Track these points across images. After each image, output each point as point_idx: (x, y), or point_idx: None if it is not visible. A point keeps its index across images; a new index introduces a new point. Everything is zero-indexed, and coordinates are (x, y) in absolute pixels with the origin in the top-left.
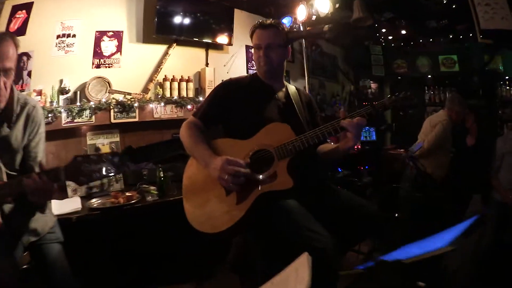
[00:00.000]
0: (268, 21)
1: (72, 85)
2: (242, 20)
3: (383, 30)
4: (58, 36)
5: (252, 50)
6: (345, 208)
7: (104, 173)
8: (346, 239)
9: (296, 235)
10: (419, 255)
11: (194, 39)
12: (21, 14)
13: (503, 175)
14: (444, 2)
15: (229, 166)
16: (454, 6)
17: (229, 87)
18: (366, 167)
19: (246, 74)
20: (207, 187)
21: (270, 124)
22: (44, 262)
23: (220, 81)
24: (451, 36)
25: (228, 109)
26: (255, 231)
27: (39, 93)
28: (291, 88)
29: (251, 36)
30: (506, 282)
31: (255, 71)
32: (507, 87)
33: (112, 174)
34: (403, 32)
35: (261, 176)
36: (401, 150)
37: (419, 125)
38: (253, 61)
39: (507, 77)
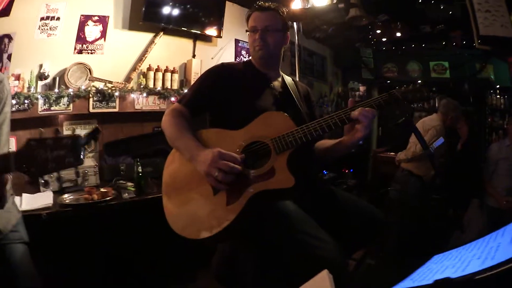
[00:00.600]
0: (267, 4)
1: (52, 71)
2: (233, 13)
3: (378, 31)
4: (42, 18)
5: (248, 34)
6: (347, 211)
7: (61, 163)
8: (349, 245)
9: (296, 243)
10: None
11: (183, 28)
12: None
13: (498, 181)
14: (441, 7)
15: (222, 161)
16: (450, 12)
17: (220, 72)
18: (351, 170)
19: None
20: (191, 185)
21: (265, 113)
22: (7, 264)
23: None
24: (444, 43)
25: (218, 96)
26: (247, 238)
27: (18, 77)
28: (288, 78)
29: (247, 20)
30: None
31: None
32: (497, 96)
33: (73, 164)
34: (398, 34)
35: (256, 173)
36: (392, 153)
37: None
38: (241, 56)
39: (498, 86)
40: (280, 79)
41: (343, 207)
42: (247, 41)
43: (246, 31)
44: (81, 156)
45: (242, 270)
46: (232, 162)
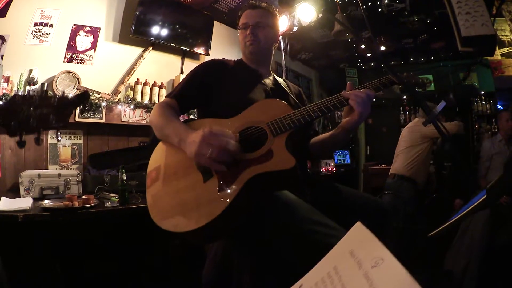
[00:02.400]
0: (258, 2)
1: (41, 77)
2: (220, 33)
3: (362, 46)
4: (35, 24)
5: (239, 32)
6: (351, 204)
7: (45, 122)
8: None
9: (304, 232)
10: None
11: (172, 44)
12: None
13: (494, 175)
14: (423, 19)
15: (214, 136)
16: (428, 21)
17: (211, 66)
18: None
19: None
20: (179, 172)
21: (261, 100)
22: None
23: None
24: (427, 56)
25: (208, 90)
26: (243, 235)
27: (7, 80)
28: (279, 78)
29: (239, 18)
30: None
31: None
32: (483, 102)
33: (57, 126)
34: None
35: (251, 156)
36: (383, 165)
37: (393, 145)
38: None
39: (482, 92)
40: (271, 77)
41: (346, 200)
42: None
43: (237, 28)
44: (67, 117)
45: (238, 276)
46: (226, 137)
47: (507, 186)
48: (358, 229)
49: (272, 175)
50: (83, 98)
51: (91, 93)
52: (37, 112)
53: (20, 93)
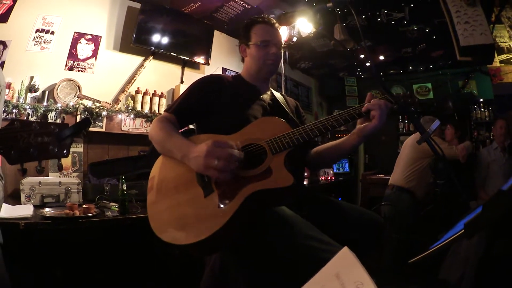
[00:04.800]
0: (273, 20)
1: (42, 84)
2: (220, 42)
3: (361, 56)
4: (37, 30)
5: (252, 46)
6: (345, 218)
7: (44, 152)
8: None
9: (299, 247)
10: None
11: (172, 53)
12: (7, 1)
13: (491, 183)
14: (422, 28)
15: (218, 148)
16: (427, 30)
17: (209, 81)
18: (339, 199)
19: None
20: (180, 187)
21: (261, 118)
22: None
23: None
24: (426, 65)
25: (206, 105)
26: (239, 249)
27: (8, 86)
28: (276, 92)
29: (249, 29)
30: None
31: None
32: (482, 109)
33: (57, 155)
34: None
35: (251, 173)
36: (381, 175)
37: (392, 154)
38: None
39: (481, 100)
40: (269, 92)
41: (341, 214)
42: (234, 70)
43: (247, 41)
44: (67, 148)
45: (235, 286)
46: (230, 146)
47: (485, 223)
48: (345, 253)
49: (270, 192)
50: (84, 125)
51: (91, 102)
52: (38, 140)
53: (21, 101)
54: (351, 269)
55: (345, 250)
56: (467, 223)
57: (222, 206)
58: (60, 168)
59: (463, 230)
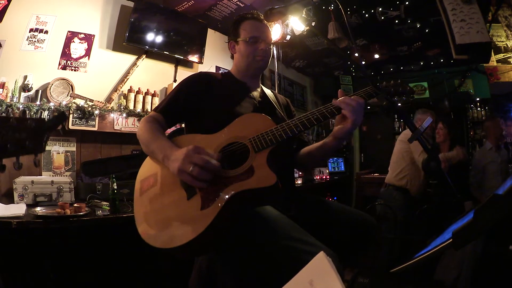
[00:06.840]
0: (262, 16)
1: (35, 83)
2: (214, 41)
3: (356, 54)
4: (31, 30)
5: (240, 43)
6: (336, 218)
7: (21, 148)
8: (342, 254)
9: (281, 248)
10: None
11: (165, 52)
12: (2, 1)
13: (488, 184)
14: (418, 26)
15: (196, 155)
16: (423, 28)
17: (198, 79)
18: (335, 198)
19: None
20: (165, 189)
21: (244, 115)
22: None
23: None
24: (421, 63)
25: (195, 103)
26: (224, 250)
27: (2, 85)
28: (267, 90)
29: (238, 26)
30: None
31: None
32: (478, 108)
33: (33, 151)
34: (376, 56)
35: (233, 173)
36: (376, 174)
37: (388, 153)
38: None
39: (478, 99)
40: (259, 89)
41: (331, 214)
42: (228, 68)
43: (235, 37)
44: (43, 143)
45: (221, 286)
46: (208, 155)
47: (476, 233)
48: (320, 260)
49: (253, 192)
50: (61, 120)
51: (84, 101)
52: (15, 135)
53: (15, 100)
54: (325, 277)
55: (321, 255)
56: (456, 232)
57: (204, 208)
58: (36, 164)
59: (451, 240)
